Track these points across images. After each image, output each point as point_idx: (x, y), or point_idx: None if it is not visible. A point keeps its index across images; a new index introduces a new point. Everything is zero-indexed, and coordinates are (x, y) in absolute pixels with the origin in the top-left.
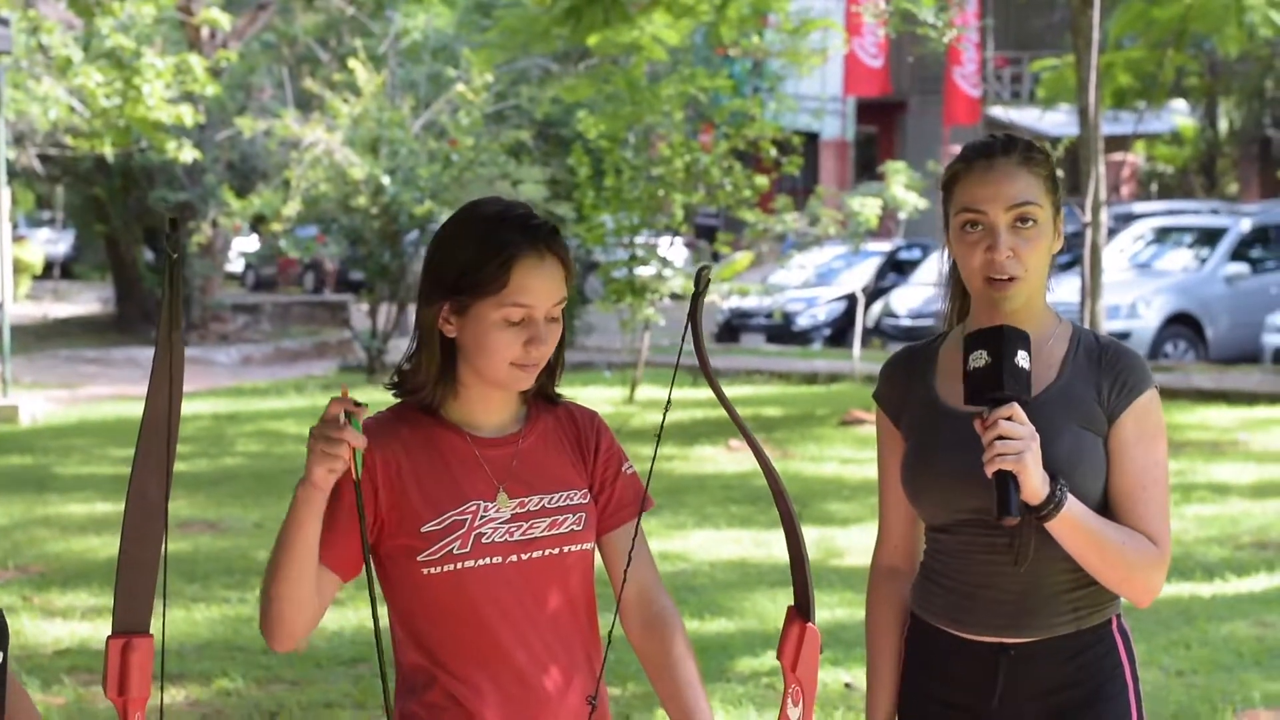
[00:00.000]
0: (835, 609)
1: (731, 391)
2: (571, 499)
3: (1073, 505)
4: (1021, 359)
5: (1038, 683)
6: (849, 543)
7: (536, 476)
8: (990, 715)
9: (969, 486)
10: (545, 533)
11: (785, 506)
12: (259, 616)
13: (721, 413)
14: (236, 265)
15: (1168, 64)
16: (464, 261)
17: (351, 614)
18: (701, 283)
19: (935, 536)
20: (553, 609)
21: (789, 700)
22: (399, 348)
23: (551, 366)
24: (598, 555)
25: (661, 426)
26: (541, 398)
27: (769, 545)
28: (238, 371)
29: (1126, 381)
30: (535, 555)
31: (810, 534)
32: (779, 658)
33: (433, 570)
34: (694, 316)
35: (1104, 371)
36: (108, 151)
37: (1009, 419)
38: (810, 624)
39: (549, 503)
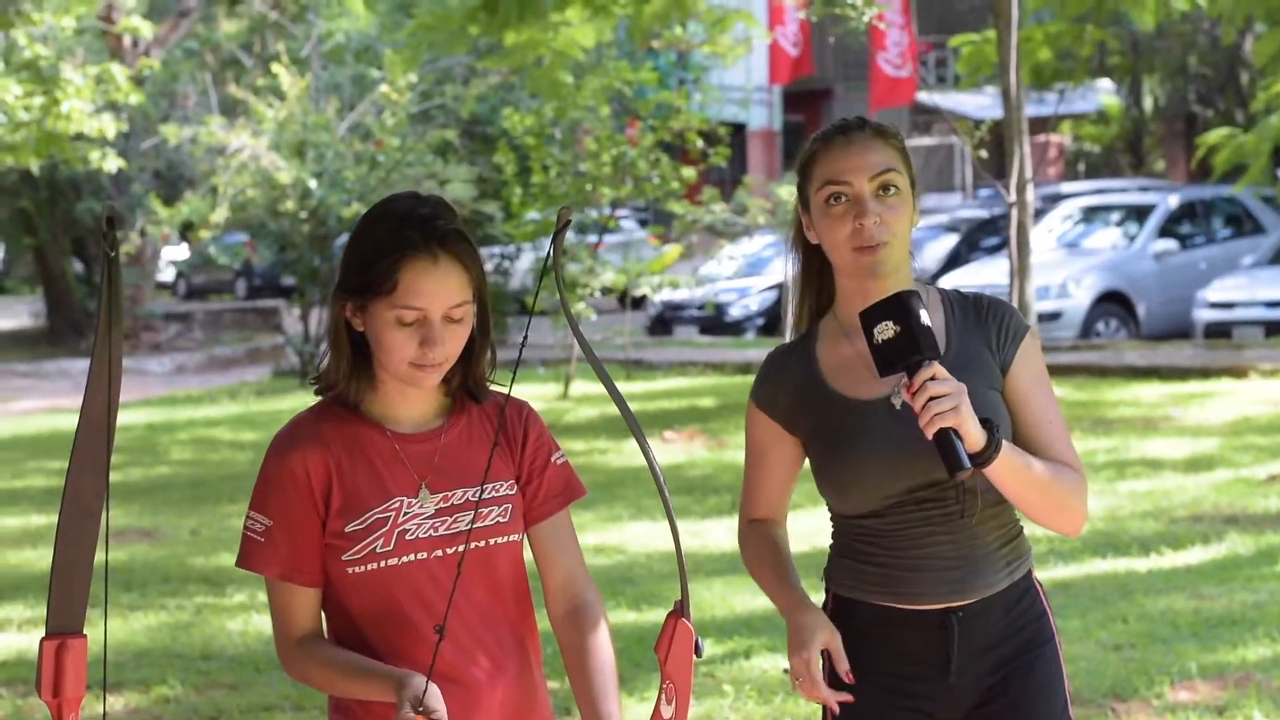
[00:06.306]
0: None
1: (666, 384)
2: (497, 490)
3: (1007, 446)
4: (926, 318)
5: (983, 639)
6: None
7: (461, 470)
8: (945, 676)
9: (897, 469)
10: (470, 526)
11: (666, 505)
12: (292, 674)
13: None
14: (167, 274)
15: (1087, 38)
16: (360, 261)
17: None
18: (561, 221)
19: (859, 523)
20: (479, 600)
21: (663, 699)
22: None
23: (471, 364)
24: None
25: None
26: (465, 393)
27: (704, 535)
28: (171, 380)
29: (1009, 327)
30: (460, 549)
31: None
32: (655, 651)
33: (357, 569)
34: (555, 254)
35: (986, 323)
36: (33, 165)
37: (933, 378)
38: (683, 619)
39: (473, 495)
